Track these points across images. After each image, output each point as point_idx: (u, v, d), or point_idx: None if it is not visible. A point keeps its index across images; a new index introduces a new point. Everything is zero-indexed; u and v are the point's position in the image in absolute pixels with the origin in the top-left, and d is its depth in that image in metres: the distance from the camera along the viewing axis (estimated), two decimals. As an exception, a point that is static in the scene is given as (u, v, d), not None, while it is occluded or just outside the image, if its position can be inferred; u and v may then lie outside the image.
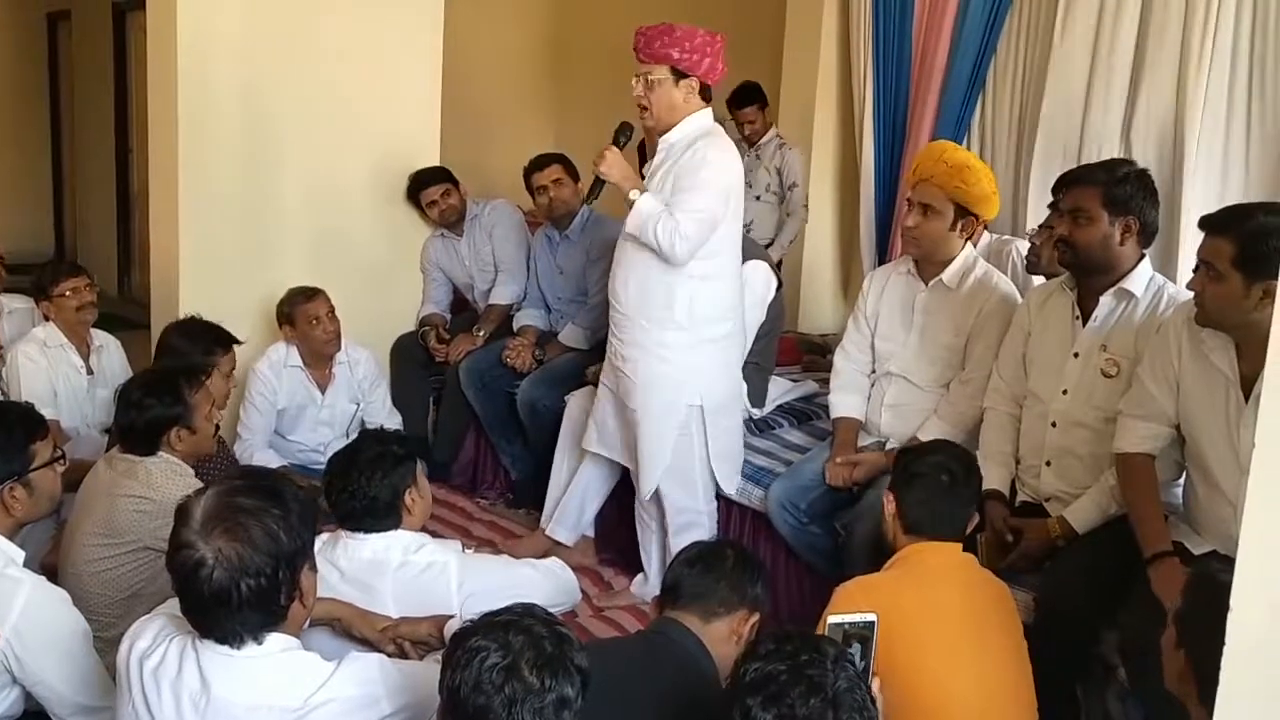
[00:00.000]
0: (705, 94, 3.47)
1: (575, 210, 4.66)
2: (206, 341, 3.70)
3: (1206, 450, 2.65)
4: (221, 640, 1.85)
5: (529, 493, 4.56)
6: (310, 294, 4.29)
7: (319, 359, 4.36)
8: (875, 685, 1.88)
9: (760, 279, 3.96)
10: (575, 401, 4.08)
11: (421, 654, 2.36)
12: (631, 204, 3.37)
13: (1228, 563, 1.27)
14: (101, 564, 2.71)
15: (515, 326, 4.86)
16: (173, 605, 1.96)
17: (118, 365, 4.27)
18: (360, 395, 4.51)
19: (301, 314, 4.26)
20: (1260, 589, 1.21)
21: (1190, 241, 4.02)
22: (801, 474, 3.53)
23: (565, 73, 7.59)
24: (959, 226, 3.37)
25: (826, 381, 3.84)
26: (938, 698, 2.27)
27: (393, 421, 4.47)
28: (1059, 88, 4.57)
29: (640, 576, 3.88)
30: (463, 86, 5.68)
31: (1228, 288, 2.46)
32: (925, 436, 3.25)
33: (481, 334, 4.83)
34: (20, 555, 2.35)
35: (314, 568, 1.98)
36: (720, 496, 3.73)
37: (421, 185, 4.92)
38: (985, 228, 4.31)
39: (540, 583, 2.67)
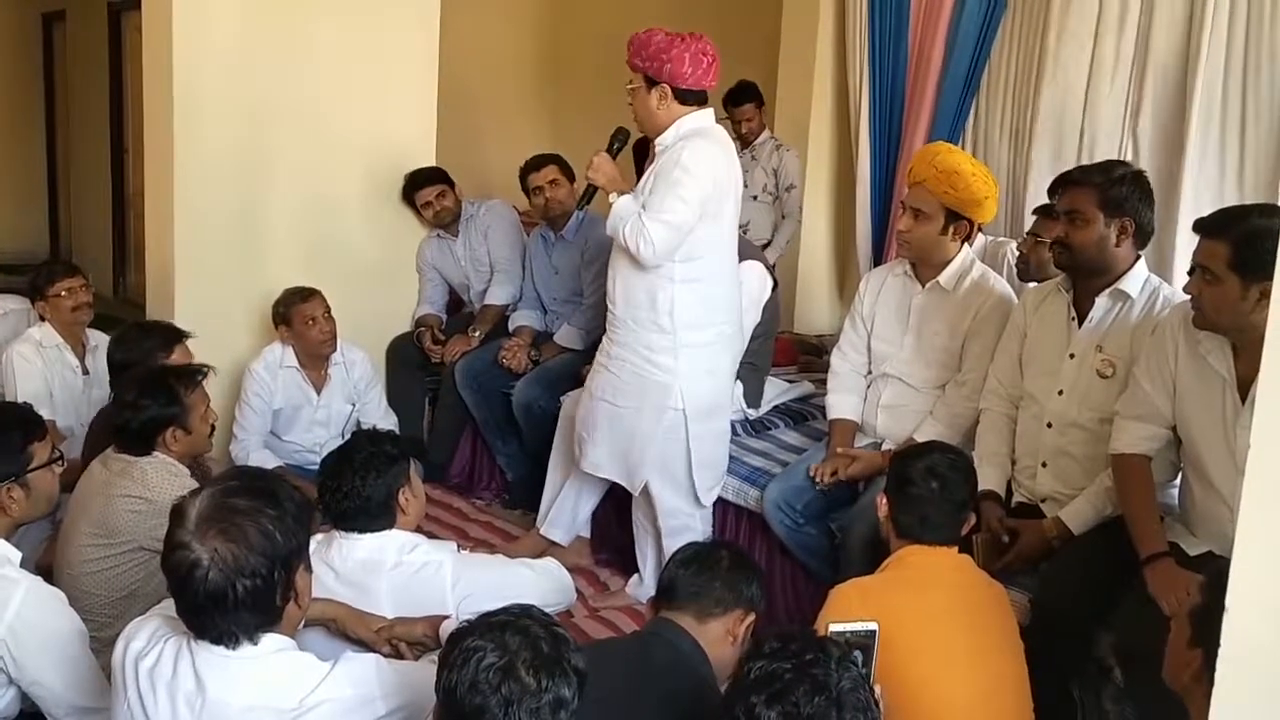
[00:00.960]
0: (690, 97, 3.40)
1: (571, 211, 4.65)
2: (154, 343, 3.49)
3: (1203, 451, 2.65)
4: (217, 641, 1.85)
5: (524, 493, 4.56)
6: (306, 294, 4.28)
7: (315, 359, 4.36)
8: (877, 691, 1.88)
9: (755, 280, 3.95)
10: (571, 402, 4.08)
11: (417, 654, 2.36)
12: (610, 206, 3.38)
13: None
14: (97, 564, 2.71)
15: (511, 327, 4.86)
16: (168, 606, 1.95)
17: (113, 365, 4.25)
18: (356, 396, 4.51)
19: (297, 314, 4.25)
20: (1256, 590, 1.21)
21: (1185, 243, 4.04)
22: (797, 475, 3.53)
23: (561, 74, 7.59)
24: (951, 231, 3.37)
25: (823, 382, 3.84)
26: (934, 699, 2.27)
27: (388, 422, 4.46)
28: (1055, 89, 4.58)
29: (635, 577, 3.88)
30: (458, 87, 5.68)
31: (1224, 290, 2.46)
32: (921, 438, 3.25)
33: (477, 335, 4.83)
34: (16, 556, 2.35)
35: (309, 568, 1.98)
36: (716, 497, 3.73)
37: (417, 186, 4.92)
38: (981, 229, 4.33)
39: (536, 583, 2.67)
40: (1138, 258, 3.00)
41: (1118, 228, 2.91)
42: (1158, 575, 2.54)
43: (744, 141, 5.69)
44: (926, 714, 2.26)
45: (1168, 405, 2.72)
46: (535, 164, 4.74)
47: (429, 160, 4.99)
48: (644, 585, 3.78)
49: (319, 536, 2.45)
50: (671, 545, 3.41)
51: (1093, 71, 4.48)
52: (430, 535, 2.76)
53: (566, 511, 4.01)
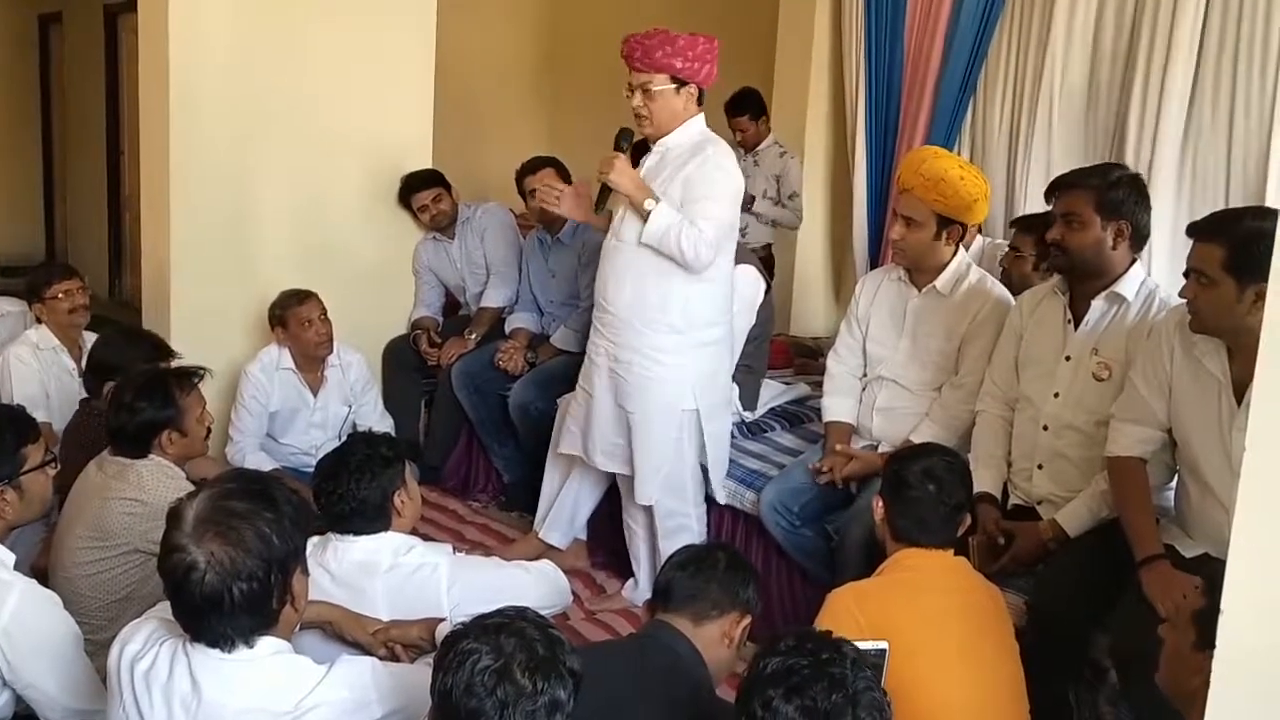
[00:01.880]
0: (700, 99, 3.48)
1: (568, 213, 4.67)
2: (140, 353, 3.55)
3: (1198, 454, 2.65)
4: (212, 644, 1.85)
5: (521, 495, 4.56)
6: (302, 297, 4.27)
7: (311, 362, 4.35)
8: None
9: (748, 283, 3.96)
10: (566, 404, 4.07)
11: (413, 657, 2.36)
12: (646, 214, 3.33)
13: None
14: (92, 567, 2.71)
15: (507, 329, 4.85)
16: (164, 608, 1.95)
17: (109, 368, 4.25)
18: (352, 398, 4.50)
19: (293, 317, 4.25)
20: (1251, 592, 1.21)
21: (1161, 245, 4.05)
22: (793, 477, 3.53)
23: (558, 76, 7.59)
24: (944, 235, 3.37)
25: (819, 385, 3.84)
26: (930, 702, 2.27)
27: (385, 425, 4.45)
28: (1051, 92, 4.58)
29: (631, 581, 3.88)
30: (455, 89, 5.68)
31: (1220, 293, 2.46)
32: (918, 439, 3.24)
33: (473, 337, 4.83)
34: (10, 559, 2.34)
35: (306, 571, 1.98)
36: (710, 499, 3.73)
37: (414, 189, 4.92)
38: (980, 230, 4.33)
39: (532, 585, 2.67)
40: (1134, 260, 3.00)
41: (1114, 230, 2.91)
42: (1153, 577, 2.54)
43: (745, 147, 5.70)
44: (923, 717, 2.25)
45: (1163, 408, 2.73)
46: (532, 166, 4.74)
47: (426, 163, 4.98)
48: (640, 588, 3.78)
49: (315, 539, 2.45)
50: (669, 545, 3.41)
51: (1088, 74, 4.49)
52: (426, 537, 2.77)
53: (564, 514, 4.01)
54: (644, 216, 3.34)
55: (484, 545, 4.27)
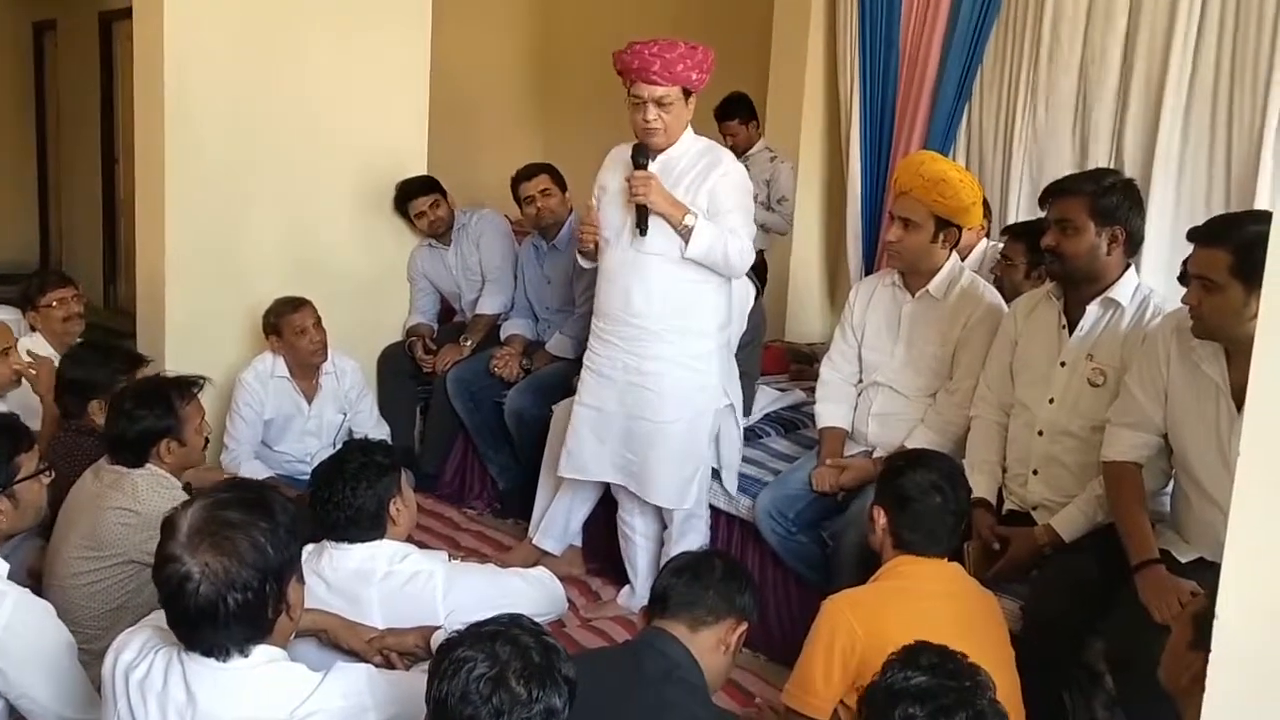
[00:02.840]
0: None
1: (563, 220, 4.67)
2: (116, 366, 3.45)
3: (1195, 458, 2.65)
4: (207, 653, 1.84)
5: (516, 502, 4.55)
6: (297, 304, 4.27)
7: (305, 369, 4.34)
8: None
9: (739, 290, 3.96)
10: (562, 411, 4.07)
11: (408, 664, 2.36)
12: (688, 229, 3.30)
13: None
14: (87, 576, 2.70)
15: (502, 336, 4.85)
16: (159, 617, 1.95)
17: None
18: (347, 406, 4.50)
19: (288, 324, 4.24)
20: (1247, 593, 1.21)
21: (1153, 250, 4.06)
22: (789, 483, 3.53)
23: (553, 83, 7.60)
24: (941, 238, 3.38)
25: (814, 390, 3.83)
26: (926, 707, 2.27)
27: (380, 432, 4.45)
28: (1046, 98, 4.59)
29: (627, 588, 3.87)
30: (451, 96, 5.68)
31: (1227, 298, 2.45)
32: (913, 445, 3.25)
33: (469, 344, 4.83)
34: (4, 568, 2.33)
35: (301, 580, 1.98)
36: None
37: (410, 195, 4.91)
38: (986, 234, 4.35)
39: (527, 593, 2.67)
40: (1128, 266, 3.00)
41: (1109, 236, 2.92)
42: (1149, 582, 2.54)
43: (735, 152, 5.68)
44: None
45: (1159, 413, 2.73)
46: (527, 173, 4.73)
47: (421, 169, 4.98)
48: (635, 595, 3.78)
49: (310, 546, 2.45)
50: (680, 548, 3.43)
51: (1083, 79, 4.50)
52: (421, 545, 2.75)
53: (559, 521, 4.00)
54: (682, 232, 3.33)
55: (479, 552, 4.26)
